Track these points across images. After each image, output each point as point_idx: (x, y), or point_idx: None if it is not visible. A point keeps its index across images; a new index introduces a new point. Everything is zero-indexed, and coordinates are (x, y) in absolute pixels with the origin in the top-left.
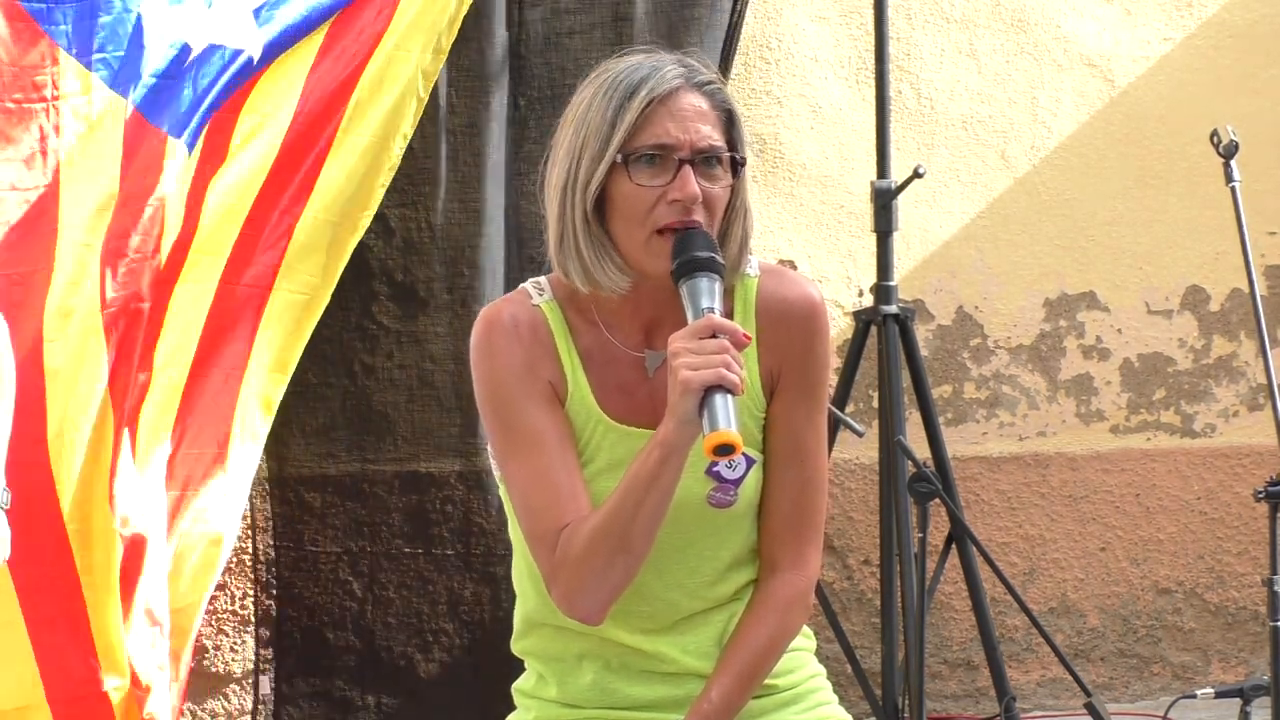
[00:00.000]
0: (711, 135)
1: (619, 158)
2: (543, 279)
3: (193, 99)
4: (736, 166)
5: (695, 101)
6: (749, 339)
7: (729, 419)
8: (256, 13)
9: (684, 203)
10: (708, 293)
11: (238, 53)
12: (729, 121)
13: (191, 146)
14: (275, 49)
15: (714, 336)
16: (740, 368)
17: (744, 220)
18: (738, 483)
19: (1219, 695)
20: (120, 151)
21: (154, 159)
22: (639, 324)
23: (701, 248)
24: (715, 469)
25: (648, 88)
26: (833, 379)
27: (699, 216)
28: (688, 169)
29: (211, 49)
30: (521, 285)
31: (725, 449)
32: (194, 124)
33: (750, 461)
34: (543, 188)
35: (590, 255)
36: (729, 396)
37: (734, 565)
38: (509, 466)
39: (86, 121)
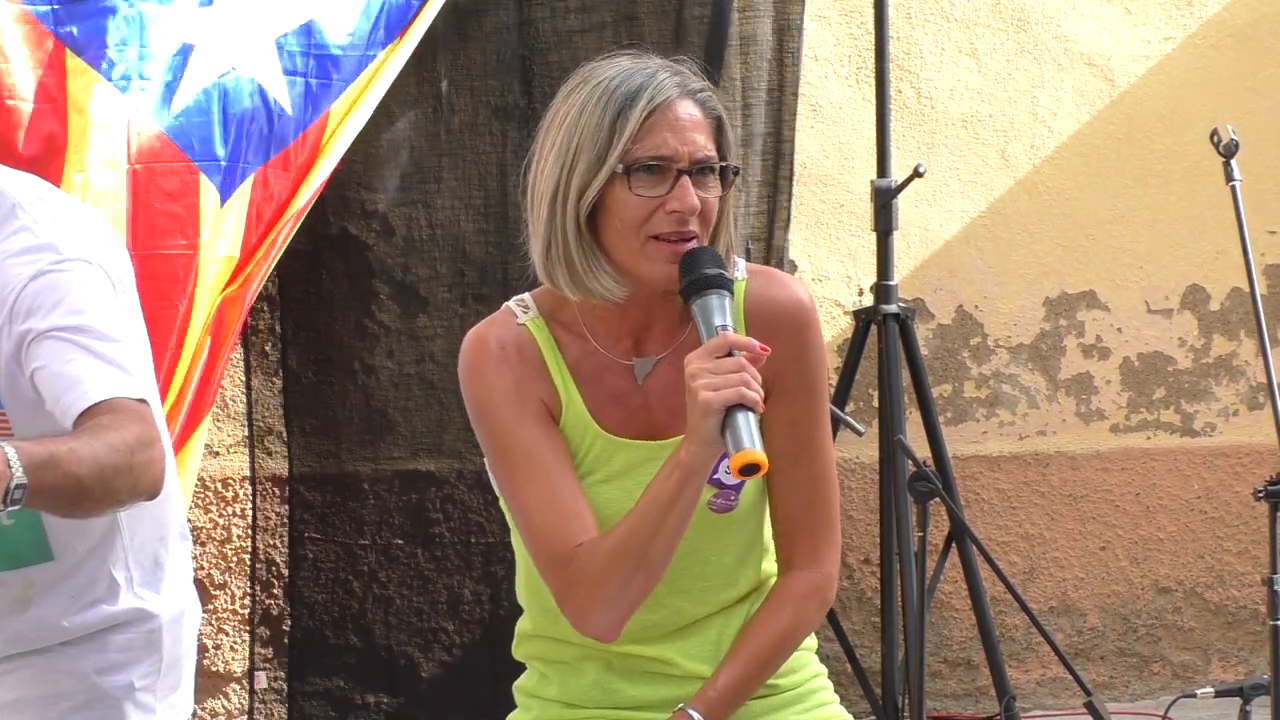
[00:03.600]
0: (706, 146)
1: (620, 167)
2: (526, 296)
3: (224, 138)
4: (726, 176)
5: (690, 110)
6: (767, 350)
7: (753, 438)
8: (281, 45)
9: (682, 213)
10: (719, 310)
11: (268, 98)
12: (719, 129)
13: (225, 197)
14: (320, 100)
15: (730, 354)
16: (759, 384)
17: (730, 228)
18: (738, 488)
19: (1219, 694)
20: (125, 154)
21: (185, 191)
22: (626, 331)
23: (709, 264)
24: (715, 477)
25: (646, 96)
26: (832, 378)
27: (694, 227)
28: (686, 180)
29: (239, 78)
30: (506, 305)
31: (752, 469)
32: (229, 174)
33: None
34: (527, 193)
35: (582, 264)
36: (750, 414)
37: (738, 566)
38: (509, 489)
39: (98, 124)
